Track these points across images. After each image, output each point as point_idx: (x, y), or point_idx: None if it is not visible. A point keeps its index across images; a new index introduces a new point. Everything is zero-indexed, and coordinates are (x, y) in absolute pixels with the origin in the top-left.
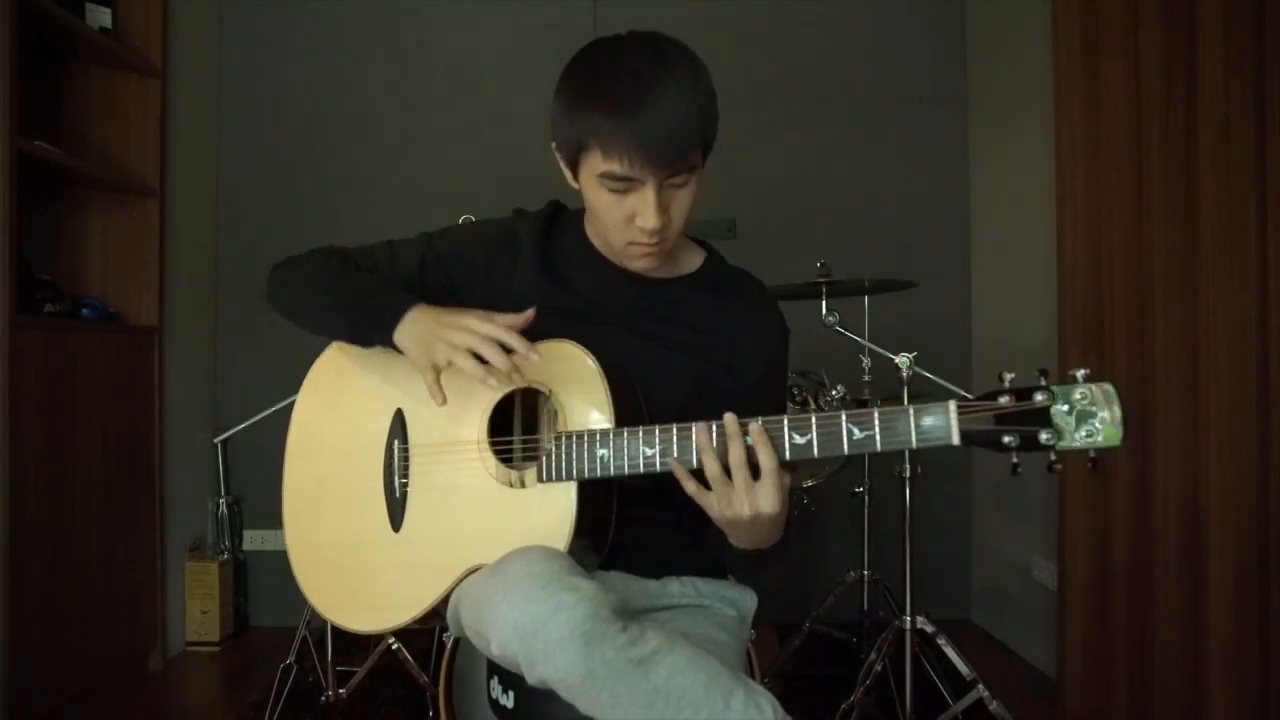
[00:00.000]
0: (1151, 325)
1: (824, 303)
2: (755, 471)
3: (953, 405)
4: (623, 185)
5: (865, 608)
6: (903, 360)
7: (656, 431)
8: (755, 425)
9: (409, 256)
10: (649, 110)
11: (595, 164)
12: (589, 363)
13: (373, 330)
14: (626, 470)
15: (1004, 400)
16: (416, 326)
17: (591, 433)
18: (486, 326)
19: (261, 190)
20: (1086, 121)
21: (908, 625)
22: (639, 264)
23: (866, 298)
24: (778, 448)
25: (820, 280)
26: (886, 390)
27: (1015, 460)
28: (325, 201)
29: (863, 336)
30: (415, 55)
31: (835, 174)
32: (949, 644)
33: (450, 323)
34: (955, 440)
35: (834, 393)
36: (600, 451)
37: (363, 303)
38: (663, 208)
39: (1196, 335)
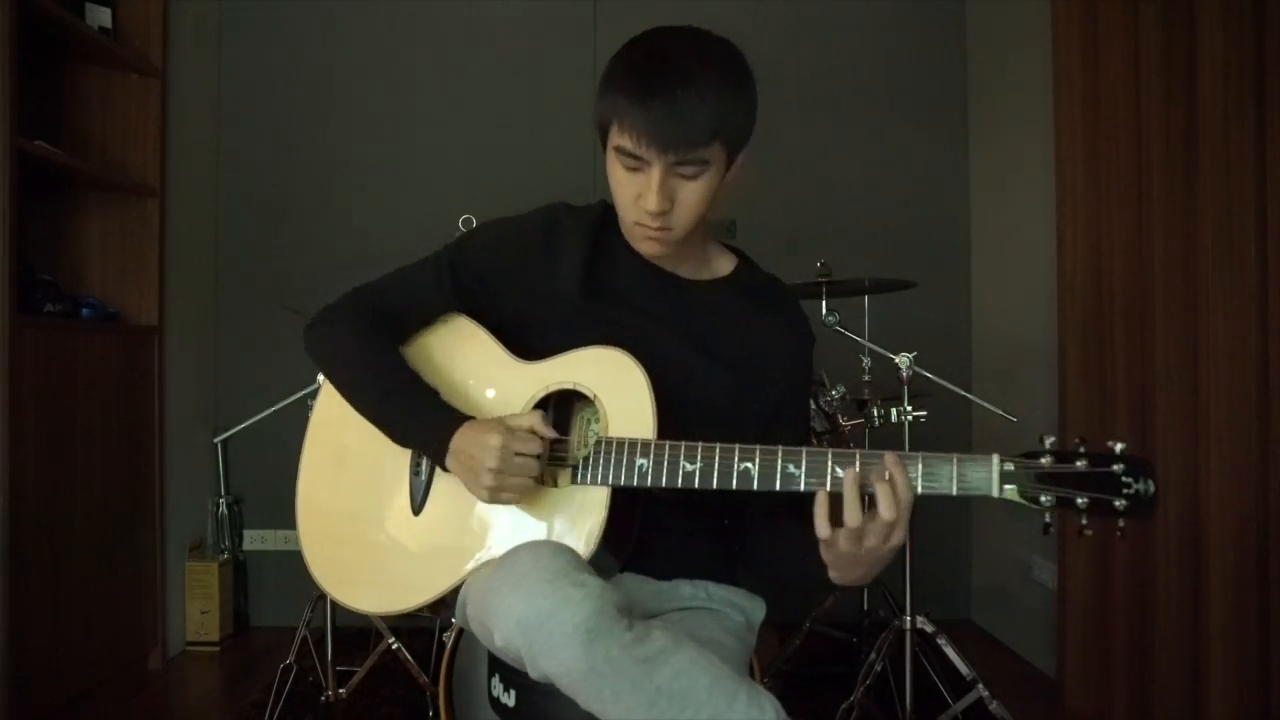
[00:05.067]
0: (1151, 325)
1: (824, 303)
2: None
3: (995, 460)
4: (633, 163)
5: (865, 608)
6: (903, 360)
7: (699, 448)
8: (890, 456)
9: (441, 275)
10: (665, 90)
11: (614, 137)
12: (638, 373)
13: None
14: (665, 483)
15: (1045, 461)
16: (456, 462)
17: (634, 442)
18: (502, 460)
19: (261, 190)
20: (1086, 121)
21: (908, 625)
22: (643, 246)
23: (866, 298)
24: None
25: (820, 280)
26: (886, 390)
27: (1048, 519)
28: (326, 201)
29: (863, 336)
30: (415, 54)
31: (835, 174)
32: (949, 644)
33: (477, 467)
34: (994, 494)
35: (834, 393)
36: (640, 461)
37: (403, 426)
38: (666, 194)
39: (1196, 335)
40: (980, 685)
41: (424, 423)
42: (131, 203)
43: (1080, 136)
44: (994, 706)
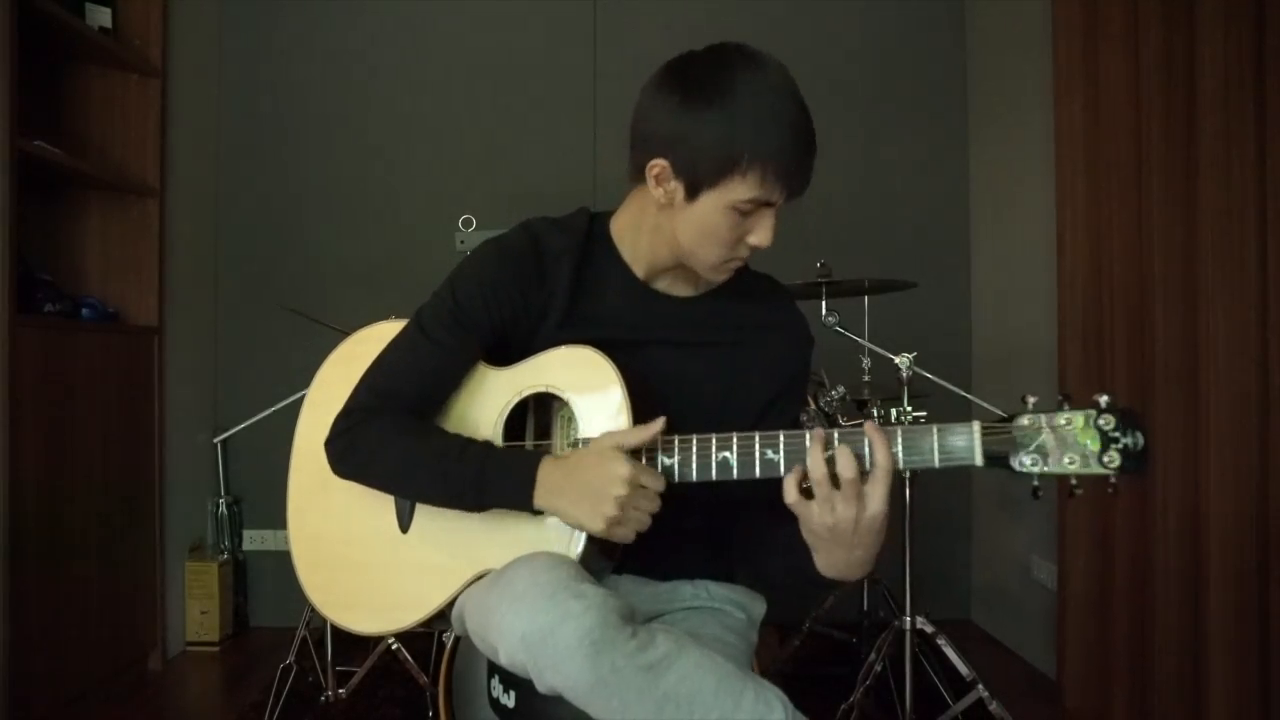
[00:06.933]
0: (1151, 325)
1: (824, 303)
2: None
3: (977, 426)
4: (752, 207)
5: (865, 608)
6: (903, 360)
7: (676, 440)
8: (869, 424)
9: (461, 341)
10: (813, 146)
11: (739, 188)
12: (608, 369)
13: (504, 505)
14: None
15: (1028, 421)
16: (561, 499)
17: None
18: (634, 493)
19: (261, 190)
20: (1086, 121)
21: (908, 625)
22: (723, 277)
23: (866, 298)
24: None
25: (820, 280)
26: (886, 391)
27: (1036, 483)
28: (326, 201)
29: (863, 336)
30: (415, 54)
31: (835, 173)
32: (949, 644)
33: (605, 496)
34: (979, 461)
35: (834, 393)
36: None
37: (479, 503)
38: None
39: (1196, 335)
40: (980, 685)
41: (500, 484)
42: (131, 203)
43: (1080, 136)
44: (994, 707)
